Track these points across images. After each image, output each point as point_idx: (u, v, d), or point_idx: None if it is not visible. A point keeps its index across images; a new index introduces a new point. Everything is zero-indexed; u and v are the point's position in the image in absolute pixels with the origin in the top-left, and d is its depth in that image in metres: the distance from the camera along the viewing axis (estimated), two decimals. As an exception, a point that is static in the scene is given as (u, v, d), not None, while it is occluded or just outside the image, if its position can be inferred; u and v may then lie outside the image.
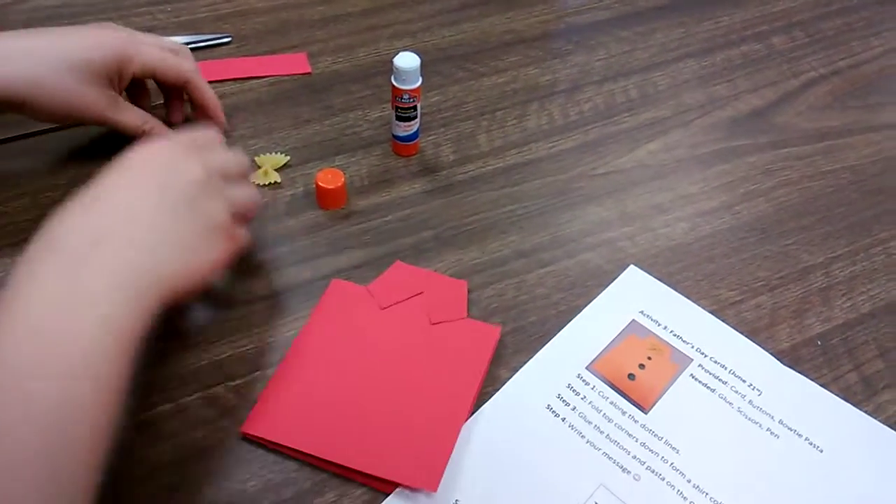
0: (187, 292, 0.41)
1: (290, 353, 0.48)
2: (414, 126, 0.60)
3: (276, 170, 0.60)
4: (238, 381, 0.47)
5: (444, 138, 0.64)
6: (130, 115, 0.57)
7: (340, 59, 0.71)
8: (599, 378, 0.48)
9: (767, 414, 0.47)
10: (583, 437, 0.45)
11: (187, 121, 0.63)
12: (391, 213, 0.57)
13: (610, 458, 0.44)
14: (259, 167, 0.59)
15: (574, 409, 0.46)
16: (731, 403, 0.47)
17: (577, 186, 0.61)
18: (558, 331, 0.50)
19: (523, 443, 0.45)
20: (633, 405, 0.47)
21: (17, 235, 0.54)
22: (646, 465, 0.44)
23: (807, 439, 0.46)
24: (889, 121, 0.69)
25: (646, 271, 0.54)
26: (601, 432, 0.45)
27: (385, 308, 0.50)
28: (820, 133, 0.67)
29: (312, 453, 0.43)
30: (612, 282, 0.54)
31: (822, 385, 0.48)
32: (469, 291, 0.52)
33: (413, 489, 0.42)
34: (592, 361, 0.49)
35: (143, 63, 0.55)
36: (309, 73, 0.70)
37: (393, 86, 0.57)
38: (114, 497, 0.41)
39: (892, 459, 0.45)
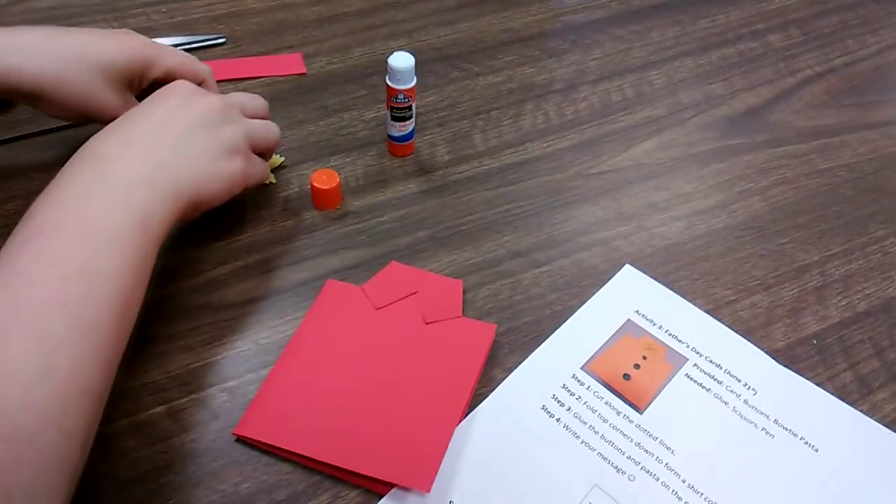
0: (206, 200, 0.47)
1: (285, 354, 0.48)
2: (409, 126, 0.60)
3: (272, 170, 0.60)
4: (231, 383, 0.47)
5: (439, 138, 0.64)
6: None
7: (335, 60, 0.71)
8: (594, 378, 0.48)
9: (763, 413, 0.46)
10: (577, 437, 0.45)
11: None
12: (386, 213, 0.57)
13: (605, 458, 0.44)
14: None
15: (569, 409, 0.46)
16: (726, 403, 0.47)
17: (573, 186, 0.61)
18: (553, 331, 0.50)
19: (518, 443, 0.44)
20: (628, 405, 0.47)
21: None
22: (641, 466, 0.44)
23: (802, 439, 0.45)
24: (885, 119, 0.68)
25: (641, 271, 0.54)
26: (596, 432, 0.45)
27: (380, 308, 0.50)
28: (816, 131, 0.67)
29: (306, 454, 0.42)
30: (607, 281, 0.53)
31: (817, 384, 0.48)
32: (464, 291, 0.52)
33: (407, 490, 0.42)
34: (587, 361, 0.49)
35: (166, 67, 0.56)
36: (304, 74, 0.70)
37: (388, 86, 0.57)
38: (106, 499, 0.41)
39: (887, 459, 0.45)
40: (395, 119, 0.59)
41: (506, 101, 0.68)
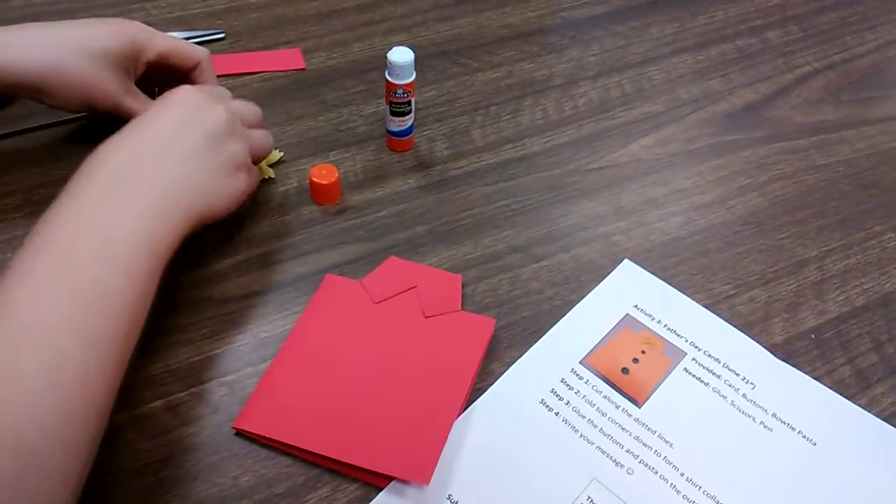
0: (212, 216, 0.47)
1: (284, 348, 0.48)
2: (408, 121, 0.60)
3: (270, 165, 0.60)
4: (231, 377, 0.47)
5: (438, 133, 0.64)
6: (144, 103, 0.57)
7: (335, 55, 0.71)
8: (593, 372, 0.48)
9: (761, 407, 0.47)
10: (576, 431, 0.45)
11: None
12: (385, 208, 0.57)
13: (603, 451, 0.44)
14: None
15: (567, 403, 0.46)
16: (724, 397, 0.47)
17: (572, 181, 0.61)
18: (552, 325, 0.50)
19: (517, 437, 0.45)
20: (627, 399, 0.47)
21: (9, 232, 0.54)
22: (639, 459, 0.44)
23: (800, 432, 0.46)
24: (883, 115, 0.69)
25: (640, 265, 0.54)
26: (595, 426, 0.45)
27: (379, 303, 0.50)
28: (814, 127, 0.67)
29: (305, 448, 0.43)
30: (606, 276, 0.54)
31: (815, 378, 0.48)
32: (463, 286, 0.52)
33: (406, 483, 0.42)
34: (586, 356, 0.49)
35: (158, 49, 0.56)
36: (303, 69, 0.70)
37: (387, 81, 0.57)
38: (106, 492, 0.41)
39: (885, 452, 0.45)
40: (394, 114, 0.59)
41: (505, 97, 0.68)
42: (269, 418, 0.44)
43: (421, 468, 0.42)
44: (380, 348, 0.48)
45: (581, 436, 0.45)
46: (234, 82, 0.67)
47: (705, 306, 0.52)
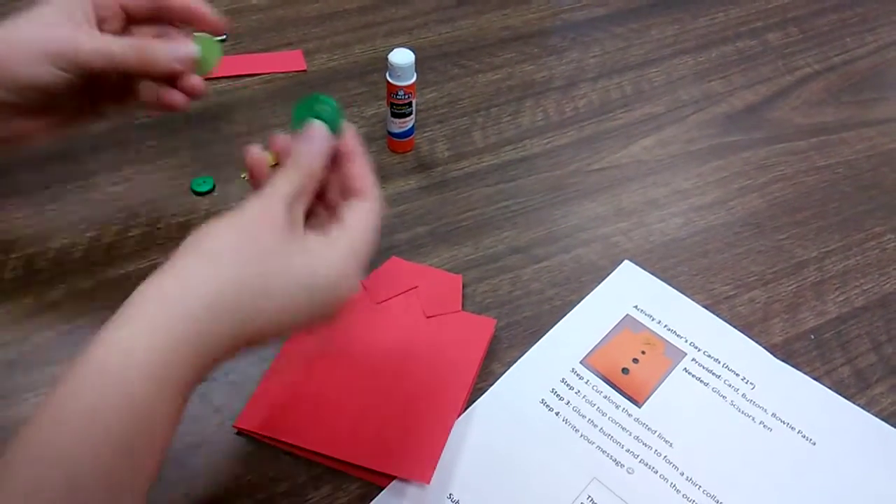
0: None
1: (285, 347, 0.48)
2: (409, 123, 0.60)
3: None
4: (232, 376, 0.47)
5: (439, 135, 0.64)
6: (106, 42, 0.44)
7: (336, 57, 0.72)
8: (593, 372, 0.48)
9: (760, 407, 0.47)
10: (576, 430, 0.45)
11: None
12: (386, 209, 0.57)
13: (604, 451, 0.44)
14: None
15: (568, 403, 0.46)
16: (724, 397, 0.47)
17: (572, 182, 0.61)
18: (552, 325, 0.50)
19: (517, 437, 0.45)
20: (627, 399, 0.47)
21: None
22: (639, 459, 0.44)
23: (800, 432, 0.46)
24: (883, 116, 0.69)
25: (640, 266, 0.54)
26: (595, 426, 0.45)
27: (380, 303, 0.50)
28: (814, 128, 0.67)
29: (307, 447, 0.43)
30: (606, 277, 0.54)
31: (815, 378, 0.48)
32: (464, 286, 0.52)
33: (407, 482, 0.42)
34: (586, 356, 0.49)
35: None
36: (304, 71, 0.70)
37: (388, 82, 0.58)
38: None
39: (884, 452, 0.45)
40: (394, 115, 0.60)
41: (505, 98, 0.68)
42: (270, 417, 0.44)
43: (422, 467, 0.42)
44: (381, 348, 0.48)
45: (581, 435, 0.45)
46: (235, 84, 0.68)
47: (705, 307, 0.52)
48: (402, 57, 0.56)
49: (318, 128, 0.40)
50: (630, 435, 0.45)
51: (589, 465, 0.44)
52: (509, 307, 0.52)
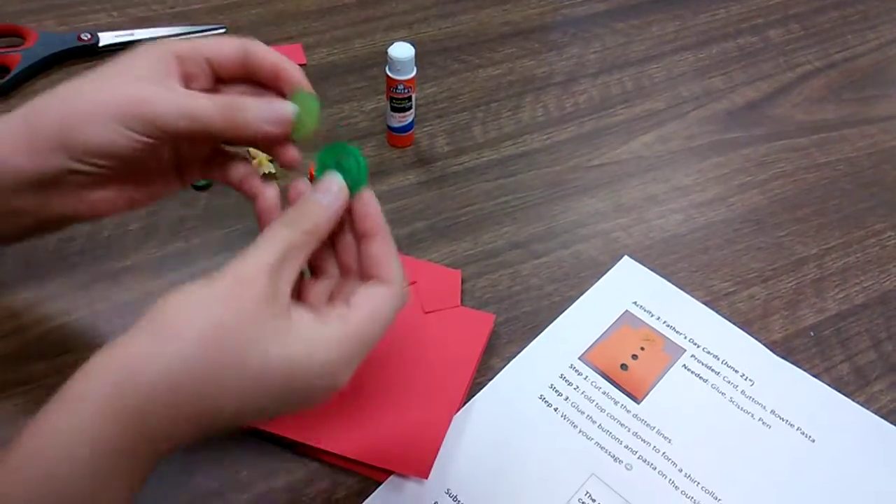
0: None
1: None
2: (409, 117, 0.60)
3: (271, 160, 0.60)
4: (231, 371, 0.47)
5: (438, 129, 0.64)
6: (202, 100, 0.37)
7: (336, 51, 0.71)
8: (592, 368, 0.48)
9: (760, 404, 0.47)
10: (575, 426, 0.45)
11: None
12: (385, 203, 0.57)
13: (602, 447, 0.44)
14: (253, 158, 0.59)
15: (567, 399, 0.46)
16: (723, 394, 0.47)
17: (572, 178, 0.61)
18: (551, 321, 0.50)
19: (516, 432, 0.45)
20: (626, 395, 0.47)
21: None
22: (638, 455, 0.44)
23: (799, 429, 0.46)
24: (884, 113, 0.69)
25: (640, 262, 0.54)
26: (593, 422, 0.45)
27: (378, 298, 0.50)
28: (815, 125, 0.67)
29: (305, 442, 0.43)
30: (605, 273, 0.54)
31: (814, 375, 0.48)
32: (463, 282, 0.52)
33: (405, 477, 0.42)
34: (585, 352, 0.49)
35: (181, 46, 0.38)
36: (304, 65, 0.70)
37: (388, 76, 0.57)
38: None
39: (883, 449, 0.45)
40: (394, 110, 0.59)
41: (506, 94, 0.68)
42: (268, 412, 0.44)
43: (420, 463, 0.42)
44: (379, 343, 0.48)
45: (580, 431, 0.45)
46: (235, 77, 0.67)
47: (705, 303, 0.52)
48: (401, 51, 0.56)
49: (336, 181, 0.35)
50: (629, 431, 0.45)
51: (587, 460, 0.44)
52: (508, 302, 0.51)
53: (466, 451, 0.43)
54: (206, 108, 0.36)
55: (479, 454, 0.43)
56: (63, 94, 0.37)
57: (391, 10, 0.76)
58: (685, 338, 0.50)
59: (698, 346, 0.49)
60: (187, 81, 0.38)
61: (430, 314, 0.49)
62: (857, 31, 0.78)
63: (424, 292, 0.50)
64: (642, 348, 0.49)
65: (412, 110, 0.60)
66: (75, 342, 0.48)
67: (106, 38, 0.68)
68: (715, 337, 0.50)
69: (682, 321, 0.51)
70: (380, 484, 0.42)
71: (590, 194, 0.59)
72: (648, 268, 0.54)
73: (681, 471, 0.43)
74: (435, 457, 0.42)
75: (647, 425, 0.45)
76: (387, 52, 0.56)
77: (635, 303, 0.52)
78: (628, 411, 0.46)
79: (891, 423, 0.46)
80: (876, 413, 0.47)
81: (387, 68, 0.57)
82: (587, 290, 0.52)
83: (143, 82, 0.36)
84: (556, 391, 0.47)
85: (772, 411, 0.46)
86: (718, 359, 0.49)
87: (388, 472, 0.42)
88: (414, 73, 0.57)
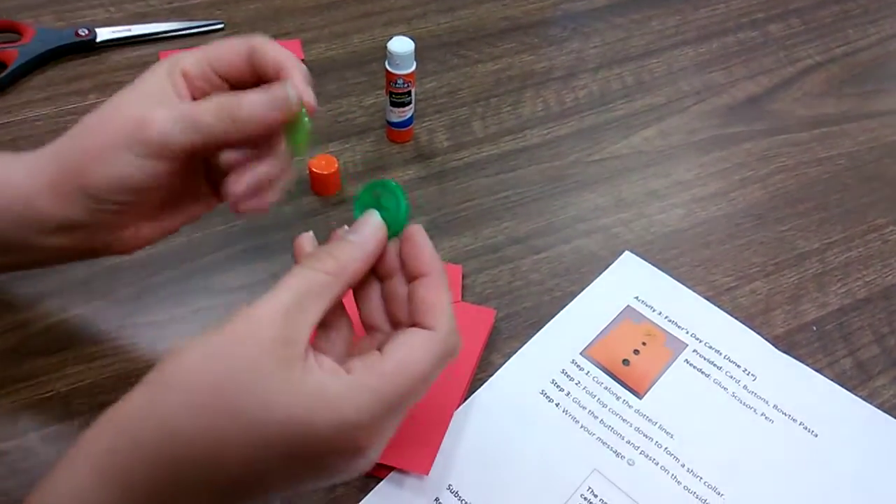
0: None
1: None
2: (408, 112, 0.60)
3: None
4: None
5: (438, 125, 0.64)
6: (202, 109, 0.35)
7: (335, 46, 0.71)
8: (594, 363, 0.48)
9: (762, 399, 0.46)
10: (577, 422, 0.45)
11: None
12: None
13: (604, 443, 0.44)
14: None
15: (568, 394, 0.46)
16: (725, 388, 0.47)
17: (572, 173, 0.60)
18: (552, 316, 0.50)
19: (517, 428, 0.44)
20: (628, 390, 0.46)
21: None
22: (640, 450, 0.44)
23: (801, 424, 0.45)
24: (885, 108, 0.68)
25: (641, 257, 0.54)
26: (595, 417, 0.45)
27: (378, 294, 0.50)
28: (816, 120, 0.67)
29: (305, 438, 0.42)
30: (606, 268, 0.53)
31: (817, 370, 0.48)
32: (463, 277, 0.52)
33: (406, 473, 0.42)
34: (587, 347, 0.48)
35: (186, 61, 0.37)
36: (302, 60, 0.69)
37: (387, 71, 0.57)
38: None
39: (886, 444, 0.45)
40: (394, 105, 0.59)
41: (505, 89, 0.68)
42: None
43: (421, 458, 0.41)
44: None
45: (582, 427, 0.45)
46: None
47: (706, 298, 0.52)
48: (401, 45, 0.56)
49: (372, 219, 0.32)
50: (631, 426, 0.45)
51: (589, 456, 0.43)
52: (509, 298, 0.51)
53: (468, 447, 0.43)
54: (205, 112, 0.35)
55: (481, 450, 0.43)
56: (81, 129, 0.36)
57: (390, 6, 0.76)
58: (687, 333, 0.50)
59: (700, 341, 0.49)
60: (197, 97, 0.37)
61: (431, 310, 0.49)
62: (858, 25, 0.78)
63: (425, 288, 0.50)
64: (644, 343, 0.49)
65: (411, 105, 0.60)
66: (75, 338, 0.47)
67: (103, 34, 0.68)
68: (717, 332, 0.50)
69: (683, 316, 0.51)
70: (381, 480, 0.42)
71: (590, 189, 0.59)
72: (650, 263, 0.54)
73: (683, 466, 0.43)
74: (436, 453, 0.42)
75: (649, 420, 0.45)
76: (385, 48, 0.56)
77: (637, 298, 0.51)
78: (630, 406, 0.46)
79: (894, 417, 0.46)
80: (879, 408, 0.46)
81: (386, 63, 0.57)
82: (588, 285, 0.52)
83: (146, 105, 0.35)
84: (558, 387, 0.46)
85: (774, 406, 0.46)
86: (720, 354, 0.49)
87: (389, 469, 0.42)
88: (413, 67, 0.57)
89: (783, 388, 0.47)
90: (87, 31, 0.68)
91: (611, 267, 0.53)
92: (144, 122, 0.34)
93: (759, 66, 0.72)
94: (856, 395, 0.47)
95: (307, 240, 0.34)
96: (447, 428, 0.43)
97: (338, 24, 0.73)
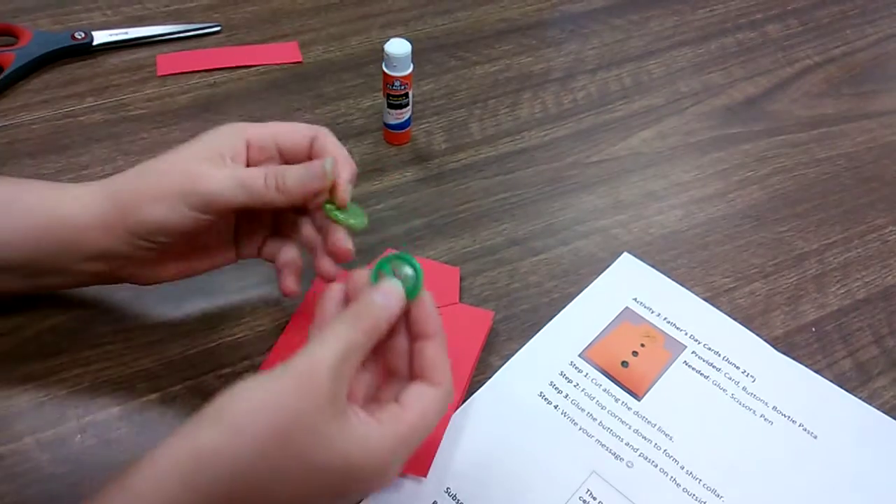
0: None
1: (281, 341, 0.47)
2: (405, 114, 0.60)
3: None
4: (227, 370, 0.46)
5: (436, 127, 0.64)
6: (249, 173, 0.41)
7: (332, 48, 0.71)
8: (592, 365, 0.47)
9: (761, 400, 0.46)
10: (575, 424, 0.45)
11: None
12: (383, 201, 0.57)
13: (603, 445, 0.44)
14: None
15: (567, 396, 0.46)
16: (724, 390, 0.47)
17: (571, 174, 0.60)
18: (551, 318, 0.50)
19: (515, 430, 0.44)
20: (627, 392, 0.46)
21: None
22: (639, 453, 0.43)
23: (801, 425, 0.45)
24: (883, 108, 0.68)
25: (639, 259, 0.54)
26: (594, 420, 0.45)
27: (376, 296, 0.50)
28: (814, 120, 0.66)
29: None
30: (605, 269, 0.53)
31: (816, 371, 0.48)
32: (461, 279, 0.52)
33: (403, 476, 0.41)
34: (585, 349, 0.48)
35: (254, 131, 0.43)
36: (300, 62, 0.69)
37: (384, 73, 0.57)
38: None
39: (886, 445, 0.45)
40: (391, 107, 0.59)
41: (503, 90, 0.68)
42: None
43: (418, 461, 0.41)
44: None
45: (580, 429, 0.44)
46: (230, 75, 0.67)
47: (705, 299, 0.51)
48: (398, 47, 0.56)
49: (396, 286, 0.37)
50: (629, 428, 0.45)
51: (588, 458, 0.43)
52: (507, 300, 0.51)
53: (466, 449, 0.43)
54: (256, 177, 0.40)
55: (479, 452, 0.43)
56: (137, 173, 0.41)
57: (387, 7, 0.76)
58: (686, 334, 0.49)
59: (699, 343, 0.49)
60: (252, 164, 0.42)
61: (429, 312, 0.49)
62: (856, 25, 0.78)
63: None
64: (643, 345, 0.49)
65: (409, 107, 0.60)
66: (71, 342, 0.47)
67: (100, 37, 0.68)
68: (716, 333, 0.50)
69: (682, 317, 0.50)
70: (378, 483, 0.42)
71: (589, 191, 0.59)
72: (648, 264, 0.54)
73: (682, 468, 0.43)
74: (434, 455, 0.42)
75: (648, 422, 0.45)
76: (383, 50, 0.56)
77: (635, 299, 0.51)
78: (629, 409, 0.45)
79: (893, 418, 0.46)
80: (878, 409, 0.46)
81: (383, 65, 0.57)
82: (587, 287, 0.52)
83: (205, 162, 0.40)
84: (556, 389, 0.46)
85: (773, 407, 0.46)
86: (719, 355, 0.48)
87: (387, 472, 0.42)
88: (411, 69, 0.57)
89: (782, 389, 0.47)
90: (83, 35, 0.67)
91: (609, 268, 0.53)
92: (201, 177, 0.39)
93: (757, 67, 0.72)
94: (855, 396, 0.47)
95: (361, 278, 0.38)
96: (445, 430, 0.43)
97: (335, 27, 0.73)
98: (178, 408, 0.44)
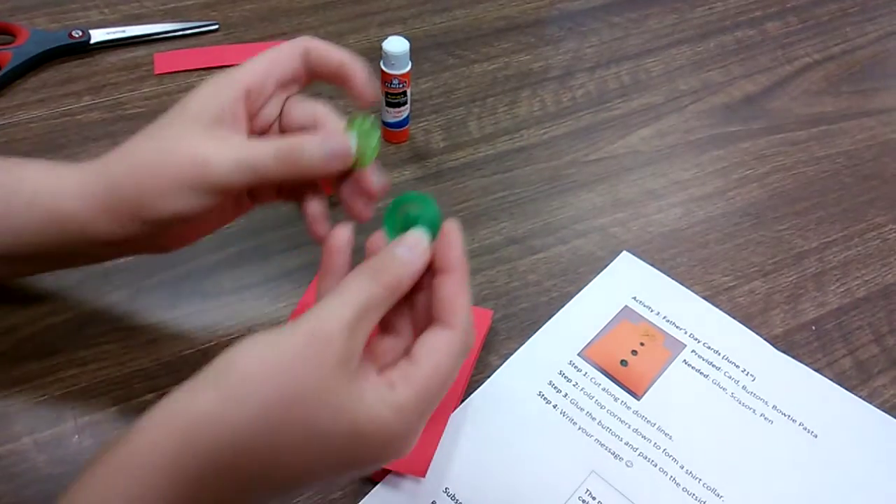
0: None
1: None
2: (404, 112, 0.60)
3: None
4: (225, 370, 0.46)
5: (434, 125, 0.63)
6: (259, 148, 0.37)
7: (330, 47, 0.71)
8: (591, 364, 0.47)
9: (761, 399, 0.46)
10: (574, 423, 0.44)
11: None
12: (381, 200, 0.57)
13: (602, 444, 0.44)
14: None
15: (566, 395, 0.46)
16: (724, 389, 0.47)
17: (569, 173, 0.60)
18: (550, 317, 0.50)
19: (514, 430, 0.44)
20: (626, 391, 0.46)
21: None
22: (638, 452, 0.43)
23: (801, 424, 0.45)
24: (883, 106, 0.68)
25: (639, 257, 0.54)
26: (593, 419, 0.45)
27: (374, 295, 0.49)
28: (814, 118, 0.66)
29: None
30: (604, 268, 0.53)
31: (816, 370, 0.48)
32: (460, 278, 0.51)
33: (402, 476, 0.41)
34: (584, 348, 0.48)
35: (249, 76, 0.39)
36: (298, 61, 0.69)
37: (382, 71, 0.57)
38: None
39: (886, 444, 0.45)
40: (389, 105, 0.59)
41: (502, 89, 0.67)
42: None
43: (417, 461, 0.41)
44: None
45: (579, 428, 0.44)
46: (229, 74, 0.67)
47: (705, 298, 0.51)
48: (396, 45, 0.55)
49: (420, 237, 0.34)
50: (629, 428, 0.44)
51: (587, 458, 0.43)
52: (506, 299, 0.51)
53: (464, 449, 0.43)
54: (265, 157, 0.36)
55: (478, 452, 0.43)
56: (134, 157, 0.38)
57: (385, 6, 0.76)
58: (685, 333, 0.49)
59: (699, 342, 0.49)
60: (253, 113, 0.39)
61: (427, 311, 0.49)
62: (856, 23, 0.78)
63: (421, 289, 0.50)
64: (642, 344, 0.49)
65: (407, 105, 0.59)
66: (67, 342, 0.47)
67: (97, 36, 0.68)
68: (715, 332, 0.49)
69: (682, 316, 0.50)
70: (376, 483, 0.41)
71: (587, 189, 0.59)
72: (647, 263, 0.53)
73: (682, 467, 0.43)
74: (432, 455, 0.42)
75: (648, 422, 0.45)
76: (381, 48, 0.56)
77: (635, 298, 0.51)
78: (628, 408, 0.45)
79: (894, 417, 0.46)
80: (879, 407, 0.46)
81: (381, 63, 0.57)
82: (586, 285, 0.52)
83: (206, 138, 0.37)
84: (555, 388, 0.46)
85: (773, 406, 0.46)
86: (719, 354, 0.48)
87: (385, 472, 0.41)
88: (409, 67, 0.57)
89: (782, 388, 0.47)
90: (81, 33, 0.67)
91: (608, 267, 0.53)
92: (206, 165, 0.36)
93: (756, 65, 0.72)
94: (855, 394, 0.47)
95: (343, 240, 0.35)
96: (444, 430, 0.43)
97: (333, 25, 0.73)
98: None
